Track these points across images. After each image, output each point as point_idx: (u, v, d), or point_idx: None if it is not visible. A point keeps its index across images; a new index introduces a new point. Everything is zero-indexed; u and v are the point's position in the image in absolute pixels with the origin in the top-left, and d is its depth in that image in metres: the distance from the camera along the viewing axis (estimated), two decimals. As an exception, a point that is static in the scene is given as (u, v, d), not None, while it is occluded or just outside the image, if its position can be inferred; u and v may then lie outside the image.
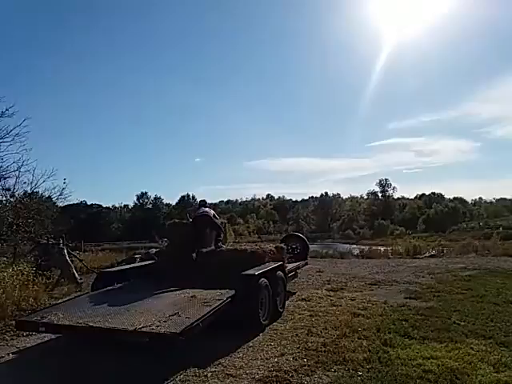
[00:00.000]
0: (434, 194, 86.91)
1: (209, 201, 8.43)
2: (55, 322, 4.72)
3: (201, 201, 8.34)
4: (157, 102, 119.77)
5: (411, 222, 69.05)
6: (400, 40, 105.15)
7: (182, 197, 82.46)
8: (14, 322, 5.45)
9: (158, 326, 4.29)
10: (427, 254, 17.10)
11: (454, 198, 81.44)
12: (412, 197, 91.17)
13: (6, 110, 10.25)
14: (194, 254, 7.05)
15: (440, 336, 5.15)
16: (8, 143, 10.62)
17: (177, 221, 8.57)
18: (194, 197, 78.47)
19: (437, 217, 70.39)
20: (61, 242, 11.09)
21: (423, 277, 10.42)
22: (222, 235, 7.75)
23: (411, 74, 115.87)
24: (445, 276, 10.39)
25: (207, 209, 7.76)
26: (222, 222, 8.18)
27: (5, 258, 9.56)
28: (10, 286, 7.04)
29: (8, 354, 4.89)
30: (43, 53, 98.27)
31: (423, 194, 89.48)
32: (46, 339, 5.40)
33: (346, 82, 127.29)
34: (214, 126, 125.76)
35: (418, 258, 15.96)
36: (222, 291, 5.60)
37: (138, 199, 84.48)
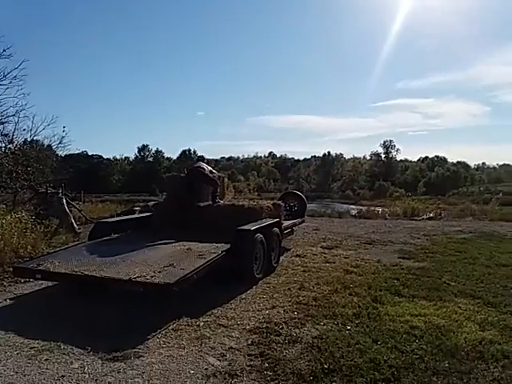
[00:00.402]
0: (437, 157, 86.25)
1: (210, 157, 8.48)
2: (51, 270, 4.78)
3: (199, 156, 8.40)
4: (161, 53, 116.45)
5: (412, 185, 69.06)
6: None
7: (183, 151, 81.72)
8: (11, 269, 5.54)
9: (152, 277, 4.34)
10: (425, 217, 17.16)
11: (458, 162, 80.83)
12: (415, 159, 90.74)
13: (4, 50, 9.94)
14: (190, 207, 7.05)
15: (430, 295, 5.23)
16: (5, 86, 10.37)
17: (174, 174, 8.55)
18: (195, 152, 77.66)
19: (438, 180, 70.31)
20: (60, 191, 11.13)
21: (418, 238, 10.51)
22: (218, 190, 7.71)
23: (427, 34, 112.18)
24: (440, 238, 10.48)
25: (204, 164, 7.71)
26: (219, 177, 8.11)
27: (4, 206, 9.61)
28: (9, 233, 7.09)
29: (5, 300, 4.98)
30: None
31: (426, 157, 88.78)
32: (43, 286, 5.49)
33: (359, 41, 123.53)
34: (217, 80, 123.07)
35: (416, 220, 16.04)
36: (218, 245, 5.64)
37: (138, 152, 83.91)
